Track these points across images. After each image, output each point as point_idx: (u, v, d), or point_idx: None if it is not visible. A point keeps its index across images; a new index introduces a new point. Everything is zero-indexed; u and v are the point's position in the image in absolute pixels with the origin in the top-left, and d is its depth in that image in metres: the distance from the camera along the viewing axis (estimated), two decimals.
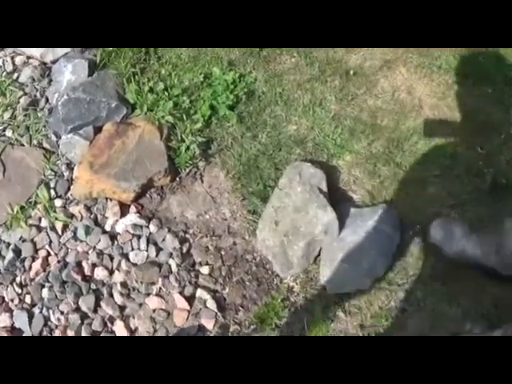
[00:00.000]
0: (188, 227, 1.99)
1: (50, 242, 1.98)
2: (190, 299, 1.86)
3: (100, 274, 1.91)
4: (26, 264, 1.94)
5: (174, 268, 1.90)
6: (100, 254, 1.94)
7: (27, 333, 1.85)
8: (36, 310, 1.88)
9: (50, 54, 2.29)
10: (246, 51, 2.28)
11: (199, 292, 1.87)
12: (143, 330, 1.83)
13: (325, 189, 1.93)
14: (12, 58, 2.35)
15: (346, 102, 2.16)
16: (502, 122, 2.07)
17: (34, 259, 1.96)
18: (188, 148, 2.04)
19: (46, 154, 2.12)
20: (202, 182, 2.06)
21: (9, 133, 2.18)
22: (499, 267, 1.73)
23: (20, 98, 2.24)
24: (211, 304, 1.85)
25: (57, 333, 1.83)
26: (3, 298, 1.92)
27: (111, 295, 1.88)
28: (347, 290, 1.85)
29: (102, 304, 1.86)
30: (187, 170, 2.06)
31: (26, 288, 1.92)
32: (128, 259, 1.93)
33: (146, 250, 1.94)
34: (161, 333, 1.82)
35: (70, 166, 2.10)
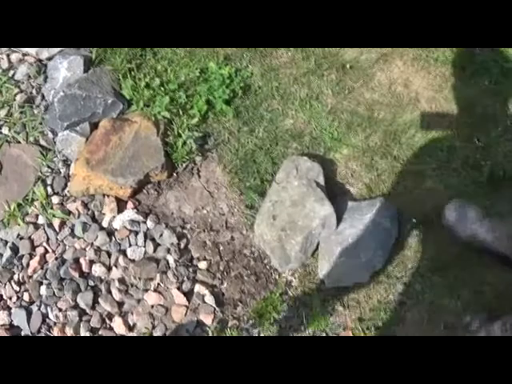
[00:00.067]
0: (185, 222, 1.99)
1: (48, 239, 1.98)
2: (189, 295, 1.86)
3: (98, 270, 1.91)
4: (24, 261, 1.95)
5: (172, 263, 1.90)
6: (98, 250, 1.94)
7: (26, 330, 1.86)
8: (34, 308, 1.89)
9: (45, 51, 2.28)
10: None
11: (197, 287, 1.87)
12: (141, 326, 1.83)
13: (322, 182, 1.92)
14: (8, 55, 2.34)
15: (343, 95, 2.15)
16: (499, 114, 2.06)
17: (31, 257, 1.96)
18: (185, 143, 2.04)
19: (43, 151, 2.12)
20: (199, 177, 2.06)
21: (5, 130, 2.17)
22: (511, 253, 1.73)
23: (16, 95, 2.23)
24: (209, 299, 1.85)
25: (55, 330, 1.83)
26: (1, 295, 1.93)
27: (109, 292, 1.88)
28: (345, 284, 1.85)
29: (100, 300, 1.86)
30: (184, 165, 2.06)
31: (24, 285, 1.93)
32: (126, 255, 1.93)
33: (144, 246, 1.93)
34: (159, 328, 1.82)
35: (66, 163, 2.10)
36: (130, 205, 2.00)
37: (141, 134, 2.03)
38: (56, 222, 1.98)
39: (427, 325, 1.78)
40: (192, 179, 2.05)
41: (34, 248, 1.97)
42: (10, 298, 1.91)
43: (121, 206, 2.01)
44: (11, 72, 2.30)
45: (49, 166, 2.09)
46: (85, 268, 1.91)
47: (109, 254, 1.94)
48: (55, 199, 2.03)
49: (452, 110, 2.09)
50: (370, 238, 1.83)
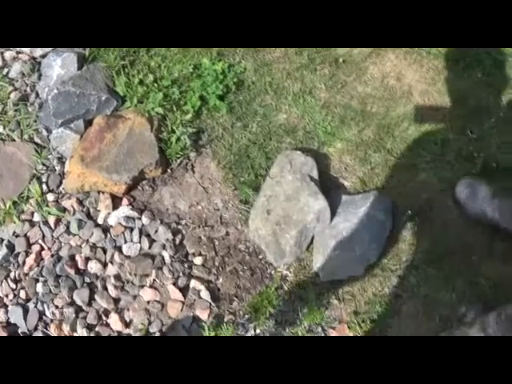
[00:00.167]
0: (180, 218, 1.99)
1: (43, 236, 1.98)
2: (184, 290, 1.87)
3: (93, 267, 1.91)
4: (20, 259, 1.95)
5: (168, 259, 1.90)
6: (93, 247, 1.94)
7: (22, 328, 1.86)
8: (31, 305, 1.89)
9: (39, 48, 2.29)
10: None
11: (193, 283, 1.87)
12: (138, 322, 1.84)
13: (316, 177, 1.93)
14: (1, 53, 2.34)
15: (336, 89, 2.15)
16: (492, 105, 2.07)
17: (27, 254, 1.96)
18: (179, 139, 2.04)
19: (38, 148, 2.12)
20: (194, 172, 2.06)
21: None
22: None
23: (10, 93, 2.23)
24: (205, 294, 1.85)
25: (52, 327, 1.84)
26: None
27: (105, 288, 1.88)
28: (340, 277, 1.85)
29: (97, 297, 1.87)
30: (178, 161, 2.06)
31: (21, 283, 1.93)
32: (121, 252, 1.93)
33: (139, 242, 1.94)
34: (156, 324, 1.83)
35: (61, 160, 2.10)
36: (124, 201, 2.01)
37: (135, 131, 2.03)
38: (51, 220, 1.99)
39: (422, 317, 1.78)
40: (186, 175, 2.06)
41: (29, 245, 1.97)
42: (7, 296, 1.91)
43: (116, 202, 2.01)
44: (5, 70, 2.31)
45: (44, 164, 2.09)
46: (81, 265, 1.92)
47: (104, 251, 1.94)
48: (50, 196, 2.04)
49: (445, 103, 2.10)
50: (364, 231, 1.84)
